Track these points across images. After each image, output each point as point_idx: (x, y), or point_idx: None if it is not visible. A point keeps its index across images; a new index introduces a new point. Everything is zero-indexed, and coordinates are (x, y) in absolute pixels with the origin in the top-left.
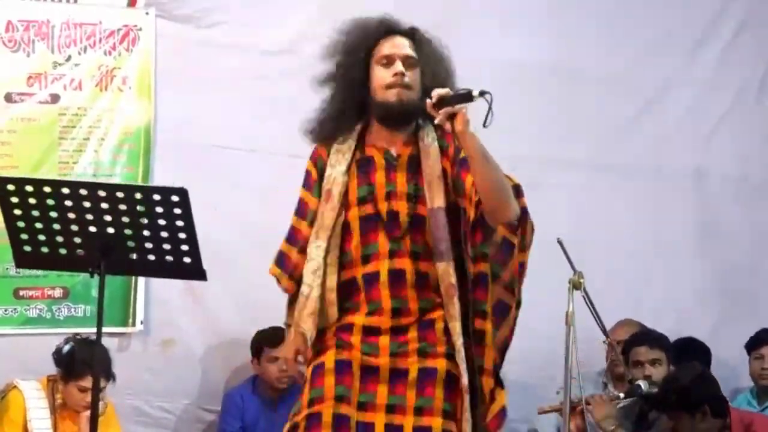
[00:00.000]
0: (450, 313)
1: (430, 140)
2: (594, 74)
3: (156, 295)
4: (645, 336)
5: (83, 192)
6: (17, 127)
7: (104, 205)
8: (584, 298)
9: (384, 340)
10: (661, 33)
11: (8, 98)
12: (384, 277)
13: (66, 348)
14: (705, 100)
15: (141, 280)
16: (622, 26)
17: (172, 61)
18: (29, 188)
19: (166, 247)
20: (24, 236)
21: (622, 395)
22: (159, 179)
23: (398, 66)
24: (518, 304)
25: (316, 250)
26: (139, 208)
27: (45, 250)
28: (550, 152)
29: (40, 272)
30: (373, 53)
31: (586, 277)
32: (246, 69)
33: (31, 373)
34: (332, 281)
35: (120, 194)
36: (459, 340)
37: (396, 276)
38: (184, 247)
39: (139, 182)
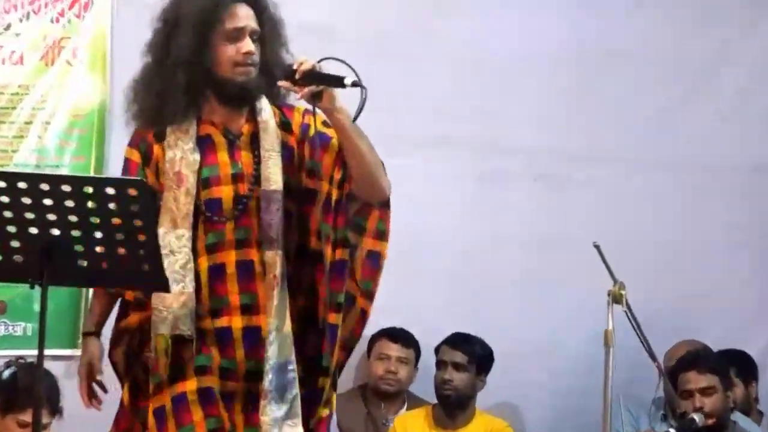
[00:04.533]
0: (266, 308)
1: (267, 116)
2: (629, 54)
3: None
4: (693, 360)
5: (22, 185)
6: None
7: (47, 202)
8: (626, 314)
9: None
10: (710, 3)
11: None
12: (231, 269)
13: (6, 373)
14: (761, 81)
15: (92, 292)
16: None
17: (133, 29)
18: None
19: (122, 251)
20: None
21: (672, 431)
22: (114, 169)
23: (248, 44)
24: (367, 295)
25: (178, 240)
26: (89, 204)
27: None
28: (579, 144)
29: None
30: (215, 24)
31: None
32: None
33: None
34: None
35: (66, 188)
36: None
37: (244, 268)
38: (143, 252)
39: (91, 173)
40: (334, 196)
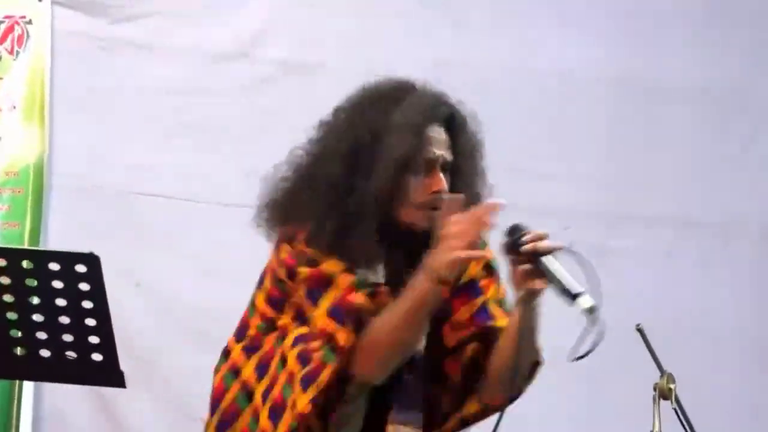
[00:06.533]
0: None
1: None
2: (681, 91)
3: (49, 408)
4: None
5: None
6: None
7: None
8: (676, 412)
9: None
10: None
11: None
12: None
13: None
14: None
15: (28, 386)
16: (724, 26)
17: (77, 69)
18: None
19: (67, 338)
20: None
21: None
22: (56, 240)
23: (440, 179)
24: None
25: None
26: (28, 282)
27: None
28: (622, 204)
29: None
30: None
31: (677, 381)
32: (181, 82)
33: None
34: None
35: (1, 262)
36: None
37: None
38: (94, 339)
39: (26, 244)
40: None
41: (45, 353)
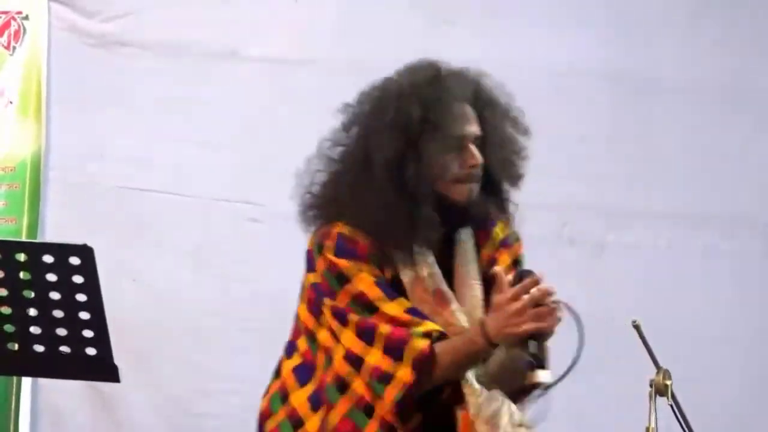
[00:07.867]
0: None
1: (466, 237)
2: (678, 86)
3: (48, 404)
4: None
5: None
6: None
7: None
8: (672, 408)
9: None
10: None
11: None
12: None
13: None
14: None
15: (26, 381)
16: (723, 19)
17: (73, 66)
18: None
19: (61, 332)
20: None
21: None
22: (53, 236)
23: (474, 153)
24: None
25: None
26: (22, 275)
27: None
28: (619, 199)
29: None
30: (428, 128)
31: (673, 378)
32: (177, 79)
33: None
34: None
35: None
36: None
37: None
38: (88, 333)
39: (23, 238)
40: None
41: (39, 348)
